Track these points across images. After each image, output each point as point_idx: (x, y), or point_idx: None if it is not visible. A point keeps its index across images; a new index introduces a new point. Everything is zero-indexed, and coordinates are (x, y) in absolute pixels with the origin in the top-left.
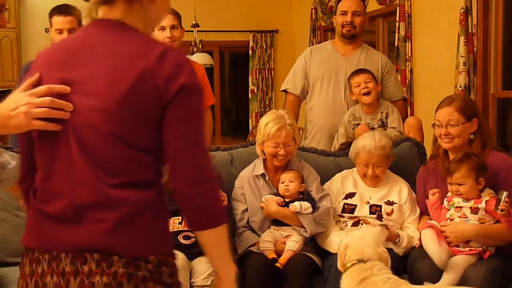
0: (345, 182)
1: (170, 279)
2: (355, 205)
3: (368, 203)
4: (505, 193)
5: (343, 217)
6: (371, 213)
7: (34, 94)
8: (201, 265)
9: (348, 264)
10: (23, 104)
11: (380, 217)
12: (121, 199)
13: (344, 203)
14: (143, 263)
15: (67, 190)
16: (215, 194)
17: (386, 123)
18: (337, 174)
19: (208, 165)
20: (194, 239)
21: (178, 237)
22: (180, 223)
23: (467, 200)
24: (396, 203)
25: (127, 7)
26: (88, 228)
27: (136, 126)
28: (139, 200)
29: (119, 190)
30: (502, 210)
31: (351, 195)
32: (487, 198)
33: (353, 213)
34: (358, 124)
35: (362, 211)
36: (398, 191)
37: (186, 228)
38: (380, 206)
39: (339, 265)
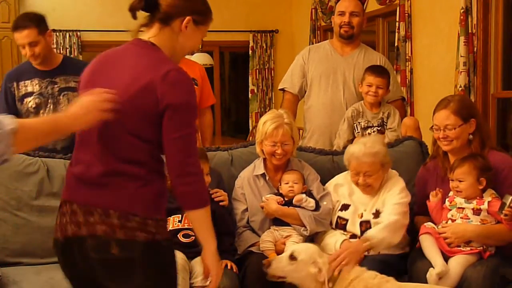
0: (339, 190)
1: (155, 229)
2: (347, 220)
3: (361, 216)
4: (510, 198)
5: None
6: (362, 232)
7: (94, 94)
8: (200, 266)
9: (336, 272)
10: (92, 103)
11: None
12: (120, 170)
13: (338, 217)
14: (132, 216)
15: (87, 159)
16: (198, 184)
17: (386, 123)
18: (330, 180)
19: (194, 163)
20: (193, 237)
21: (178, 235)
22: (180, 221)
23: (469, 200)
24: (381, 212)
25: (158, 31)
26: (96, 189)
27: (136, 120)
28: (132, 172)
29: (119, 163)
30: (506, 215)
31: (345, 207)
32: (489, 199)
33: (345, 229)
34: (359, 123)
35: (354, 228)
36: (391, 194)
37: (185, 227)
38: (369, 222)
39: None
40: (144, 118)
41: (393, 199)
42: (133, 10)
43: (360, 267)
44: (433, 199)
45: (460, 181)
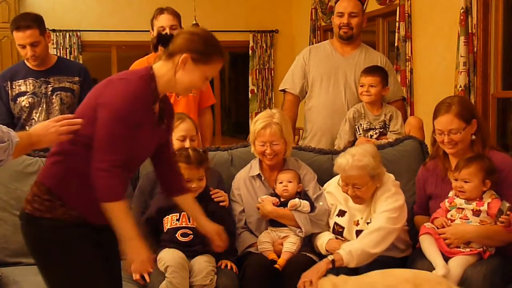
0: (336, 193)
1: (38, 206)
2: (343, 228)
3: (357, 224)
4: (507, 206)
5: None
6: None
7: (55, 120)
8: (200, 264)
9: None
10: (52, 127)
11: None
12: (59, 148)
13: (335, 222)
14: (31, 191)
15: None
16: (106, 180)
17: (388, 125)
18: (328, 182)
19: (107, 160)
20: (192, 236)
21: (176, 234)
22: (177, 219)
23: (469, 201)
24: None
25: (163, 61)
26: None
27: (83, 112)
28: (61, 151)
29: (62, 144)
30: (502, 222)
31: (342, 213)
32: (489, 200)
33: (342, 235)
34: (361, 125)
35: (350, 236)
36: (379, 203)
37: (183, 225)
38: None
39: None
40: (84, 110)
41: (381, 207)
42: (152, 45)
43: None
44: (428, 225)
45: (465, 181)
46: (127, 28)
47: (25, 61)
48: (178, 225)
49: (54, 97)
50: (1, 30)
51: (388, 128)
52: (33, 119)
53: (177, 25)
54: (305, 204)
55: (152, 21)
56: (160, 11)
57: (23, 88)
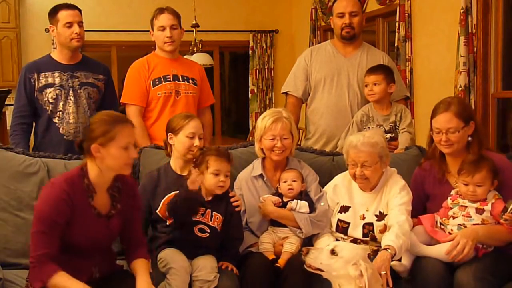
0: (338, 191)
1: None
2: (349, 223)
3: (363, 218)
4: None
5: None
6: (364, 235)
7: None
8: (205, 260)
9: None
10: None
11: (374, 239)
12: None
13: (338, 219)
14: None
15: None
16: (31, 271)
17: (399, 126)
18: (329, 183)
19: (32, 256)
20: (208, 234)
21: (194, 227)
22: (202, 214)
23: (473, 200)
24: (386, 214)
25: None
26: None
27: None
28: None
29: None
30: (506, 220)
31: (345, 209)
32: (493, 200)
33: (346, 233)
34: (369, 128)
35: (356, 232)
36: (392, 195)
37: (205, 221)
38: (372, 224)
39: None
40: None
41: (396, 200)
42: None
43: None
44: (424, 221)
45: (478, 186)
46: (127, 28)
47: (51, 55)
48: (200, 219)
49: (81, 91)
50: (1, 30)
51: (398, 128)
52: (60, 111)
53: (177, 25)
54: (302, 205)
55: (152, 21)
56: (160, 11)
57: (50, 80)
